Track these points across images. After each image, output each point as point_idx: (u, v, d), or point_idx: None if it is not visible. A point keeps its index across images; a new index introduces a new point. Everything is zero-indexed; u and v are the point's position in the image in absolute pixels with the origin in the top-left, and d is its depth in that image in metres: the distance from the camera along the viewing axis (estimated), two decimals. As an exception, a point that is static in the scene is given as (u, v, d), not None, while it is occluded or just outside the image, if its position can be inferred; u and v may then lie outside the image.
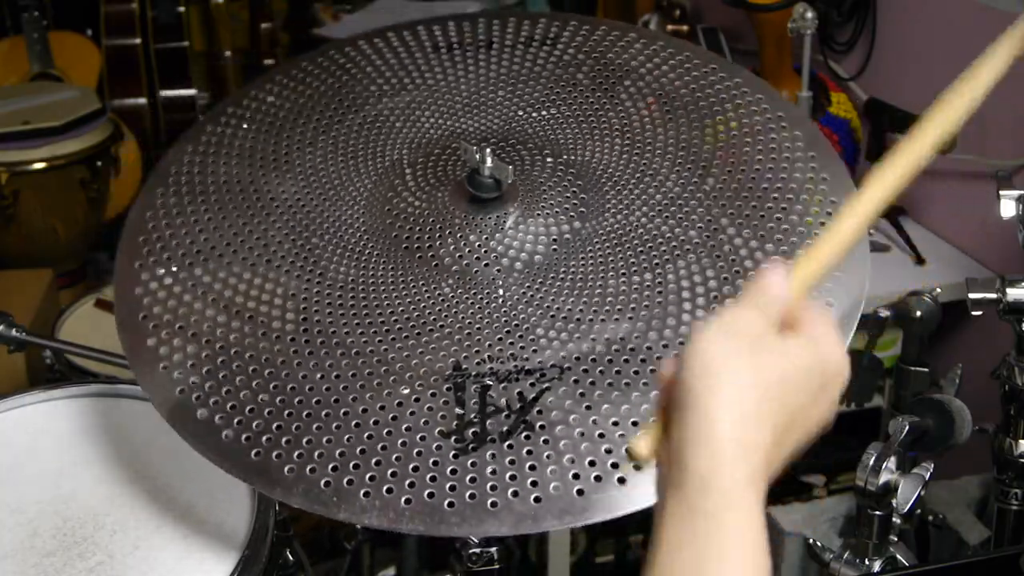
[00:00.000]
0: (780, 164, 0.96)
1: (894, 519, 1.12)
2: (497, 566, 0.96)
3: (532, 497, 0.77)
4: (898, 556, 1.13)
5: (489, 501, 0.77)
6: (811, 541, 1.37)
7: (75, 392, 1.14)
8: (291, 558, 1.08)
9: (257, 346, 0.86)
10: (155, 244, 0.93)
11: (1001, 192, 1.19)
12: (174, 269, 0.91)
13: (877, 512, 1.10)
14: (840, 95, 1.97)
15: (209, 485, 1.00)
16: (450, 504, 0.76)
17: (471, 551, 0.95)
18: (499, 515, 0.76)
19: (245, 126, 1.03)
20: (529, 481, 0.77)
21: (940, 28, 1.85)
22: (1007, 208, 1.18)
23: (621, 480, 0.77)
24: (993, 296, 1.15)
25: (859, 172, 1.98)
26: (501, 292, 0.89)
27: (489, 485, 0.77)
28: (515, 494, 0.77)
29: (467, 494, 0.77)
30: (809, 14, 1.74)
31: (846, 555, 1.15)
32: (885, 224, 1.93)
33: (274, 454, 0.79)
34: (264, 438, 0.80)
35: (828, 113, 1.93)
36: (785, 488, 1.87)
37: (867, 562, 1.13)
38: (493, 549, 0.95)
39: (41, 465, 1.05)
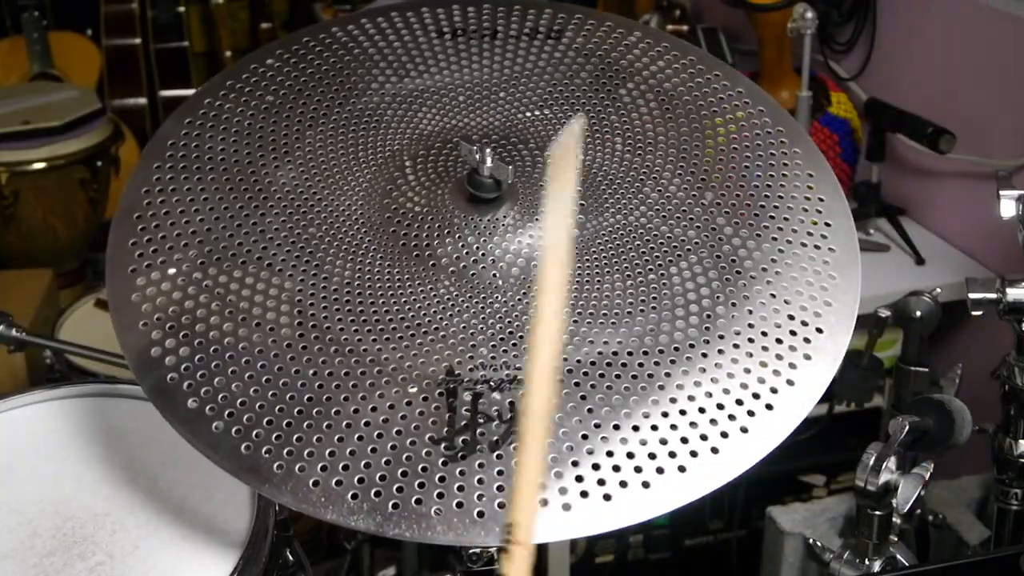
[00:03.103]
0: (778, 182, 0.96)
1: (894, 519, 1.12)
2: (497, 566, 0.96)
3: None
4: (898, 556, 1.13)
5: (476, 511, 0.76)
6: (811, 541, 1.37)
7: (75, 392, 1.13)
8: (291, 558, 1.08)
9: (250, 338, 0.85)
10: (150, 222, 0.91)
11: (1001, 192, 1.19)
12: (168, 248, 0.89)
13: (877, 512, 1.10)
14: (840, 95, 1.97)
15: (209, 485, 1.00)
16: (437, 511, 0.76)
17: (471, 551, 0.95)
18: (486, 525, 0.75)
19: (245, 99, 1.01)
20: None
21: (940, 28, 1.85)
22: (1007, 208, 1.19)
23: (607, 497, 0.77)
24: (993, 296, 1.16)
25: (859, 172, 1.98)
26: (500, 297, 0.89)
27: (477, 494, 0.77)
28: (501, 505, 0.76)
29: (454, 502, 0.76)
30: (809, 14, 1.74)
31: (846, 555, 1.15)
32: (885, 224, 1.93)
33: (264, 450, 0.79)
34: (254, 433, 0.79)
35: (828, 113, 1.93)
36: (785, 488, 1.87)
37: (867, 562, 1.13)
38: (493, 549, 0.95)
39: (41, 465, 1.05)
